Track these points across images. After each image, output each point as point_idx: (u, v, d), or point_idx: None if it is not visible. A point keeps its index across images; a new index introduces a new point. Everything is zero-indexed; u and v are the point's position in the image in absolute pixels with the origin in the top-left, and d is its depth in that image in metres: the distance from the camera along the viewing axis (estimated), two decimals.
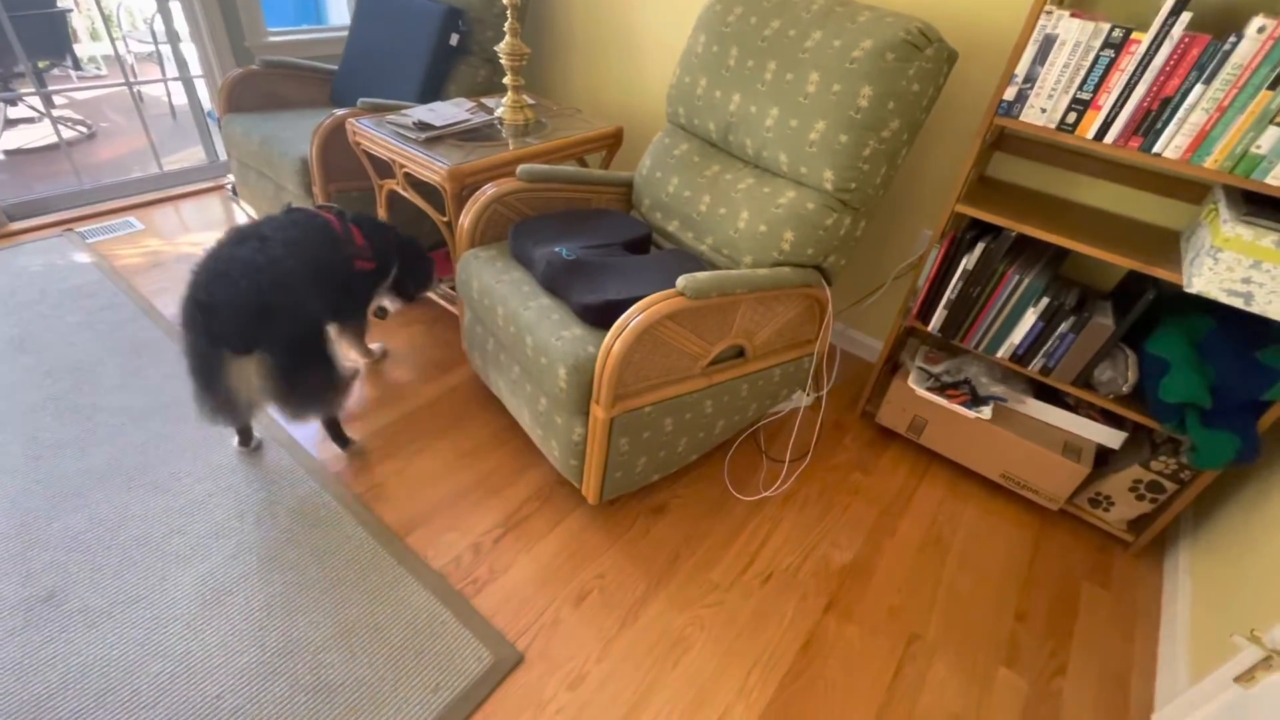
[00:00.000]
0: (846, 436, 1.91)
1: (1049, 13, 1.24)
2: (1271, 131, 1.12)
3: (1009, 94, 1.34)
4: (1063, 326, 1.48)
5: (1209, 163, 1.19)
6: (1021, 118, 1.35)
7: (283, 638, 1.26)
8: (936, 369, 1.76)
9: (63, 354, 1.86)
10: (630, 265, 1.53)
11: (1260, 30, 1.07)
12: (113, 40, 3.72)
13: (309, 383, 1.46)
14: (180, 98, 3.66)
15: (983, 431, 1.67)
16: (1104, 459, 1.65)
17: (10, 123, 3.39)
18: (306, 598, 1.33)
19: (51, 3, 3.07)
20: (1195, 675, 1.25)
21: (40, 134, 3.31)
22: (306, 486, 1.56)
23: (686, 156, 1.73)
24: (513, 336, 1.46)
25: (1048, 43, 1.26)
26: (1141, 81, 1.20)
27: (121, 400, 1.73)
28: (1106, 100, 1.24)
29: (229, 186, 2.83)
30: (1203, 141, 1.18)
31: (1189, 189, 1.46)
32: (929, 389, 1.71)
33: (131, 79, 3.99)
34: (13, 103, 3.46)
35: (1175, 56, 1.15)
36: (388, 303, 1.90)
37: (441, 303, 2.08)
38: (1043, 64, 1.28)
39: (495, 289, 1.51)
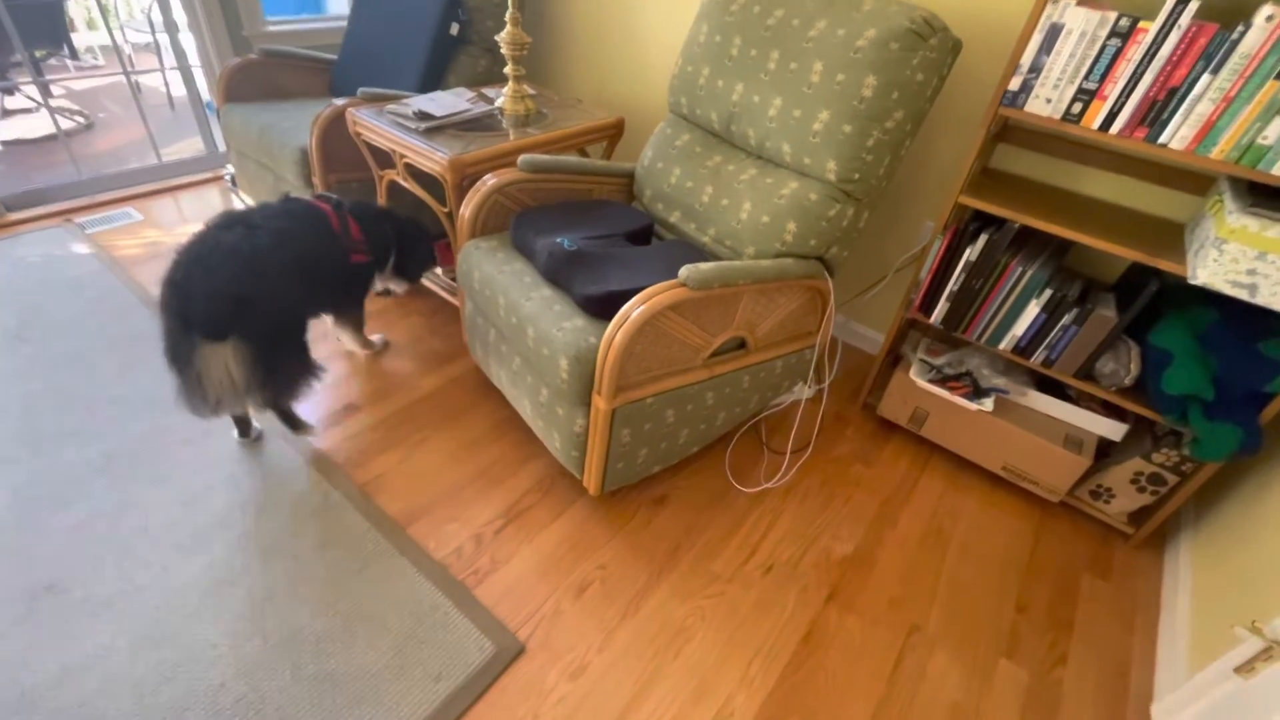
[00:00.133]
0: (848, 429, 1.91)
1: (1055, 1, 1.23)
2: (1278, 122, 1.11)
3: (1014, 84, 1.33)
4: (1066, 318, 1.47)
5: (1215, 153, 1.18)
6: (1026, 108, 1.34)
7: (284, 627, 1.26)
8: (938, 361, 1.75)
9: (62, 344, 1.86)
10: (632, 256, 1.52)
11: (1269, 19, 1.06)
12: (110, 30, 3.70)
13: (282, 373, 1.46)
14: (179, 88, 3.64)
15: (984, 424, 1.67)
16: (1105, 451, 1.65)
17: (8, 113, 3.37)
18: (308, 588, 1.33)
19: None
20: (1195, 666, 1.25)
21: (38, 124, 3.29)
22: (308, 477, 1.56)
23: (689, 147, 1.72)
24: (514, 327, 1.46)
25: (1054, 32, 1.25)
26: (1148, 71, 1.19)
27: (121, 391, 1.73)
28: (1112, 90, 1.24)
29: (228, 177, 2.81)
30: (1209, 132, 1.17)
31: (1194, 180, 1.45)
32: (931, 381, 1.70)
33: (129, 69, 3.96)
34: (10, 93, 3.44)
35: (1182, 46, 1.14)
36: (393, 285, 1.90)
37: (442, 294, 2.07)
38: (1048, 53, 1.27)
39: (497, 280, 1.51)
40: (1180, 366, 1.34)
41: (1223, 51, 1.11)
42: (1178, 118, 1.19)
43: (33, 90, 3.37)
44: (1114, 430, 1.58)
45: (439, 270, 2.05)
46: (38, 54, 3.13)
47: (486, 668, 1.23)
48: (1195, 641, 1.31)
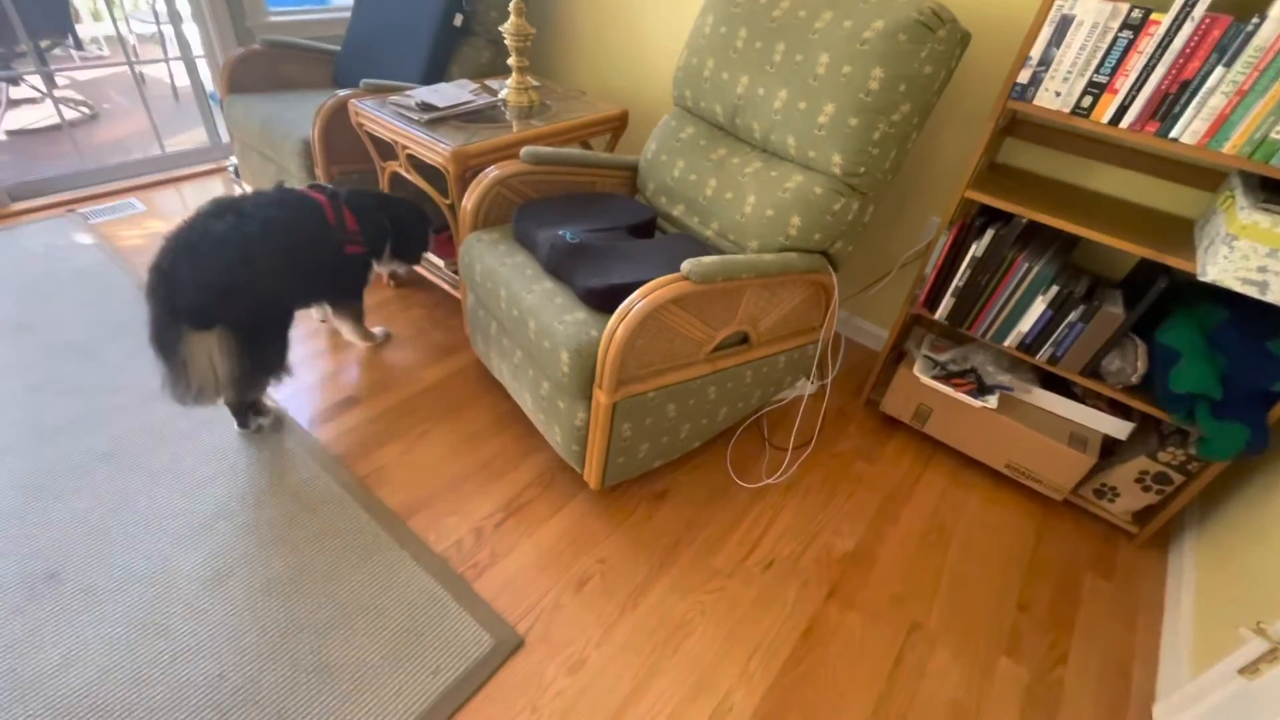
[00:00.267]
0: (850, 425, 1.90)
1: None
2: None
3: (1023, 77, 1.31)
4: (1072, 315, 1.46)
5: (1227, 148, 1.16)
6: (1035, 101, 1.32)
7: (284, 619, 1.26)
8: (942, 357, 1.74)
9: (65, 334, 1.86)
10: (635, 249, 1.51)
11: None
12: (114, 20, 3.69)
13: (264, 364, 1.45)
14: (182, 79, 3.64)
15: (988, 421, 1.66)
16: (1110, 449, 1.63)
17: (13, 103, 3.37)
18: (308, 579, 1.33)
19: None
20: (1198, 667, 1.24)
21: (42, 114, 3.29)
22: (308, 469, 1.56)
23: (693, 140, 1.71)
24: (515, 320, 1.45)
25: (1064, 24, 1.23)
26: (1160, 64, 1.17)
27: (124, 381, 1.73)
28: (1123, 83, 1.22)
29: (231, 168, 2.81)
30: (1221, 126, 1.16)
31: (1205, 175, 1.43)
32: (934, 377, 1.69)
33: (134, 59, 3.96)
34: (15, 82, 3.43)
35: (1196, 38, 1.12)
36: (395, 268, 1.89)
37: (445, 286, 2.07)
38: (1058, 46, 1.25)
39: (498, 272, 1.50)
40: (1188, 364, 1.32)
41: (1237, 44, 1.09)
42: (1190, 111, 1.17)
43: (37, 80, 3.37)
44: (1119, 428, 1.56)
45: (442, 263, 2.04)
46: (43, 44, 3.13)
47: (485, 661, 1.23)
48: (1198, 642, 1.30)
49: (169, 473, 1.51)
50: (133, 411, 1.65)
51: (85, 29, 4.37)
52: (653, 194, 1.79)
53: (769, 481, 1.69)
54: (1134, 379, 1.45)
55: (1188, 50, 1.14)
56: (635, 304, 1.24)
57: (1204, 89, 1.15)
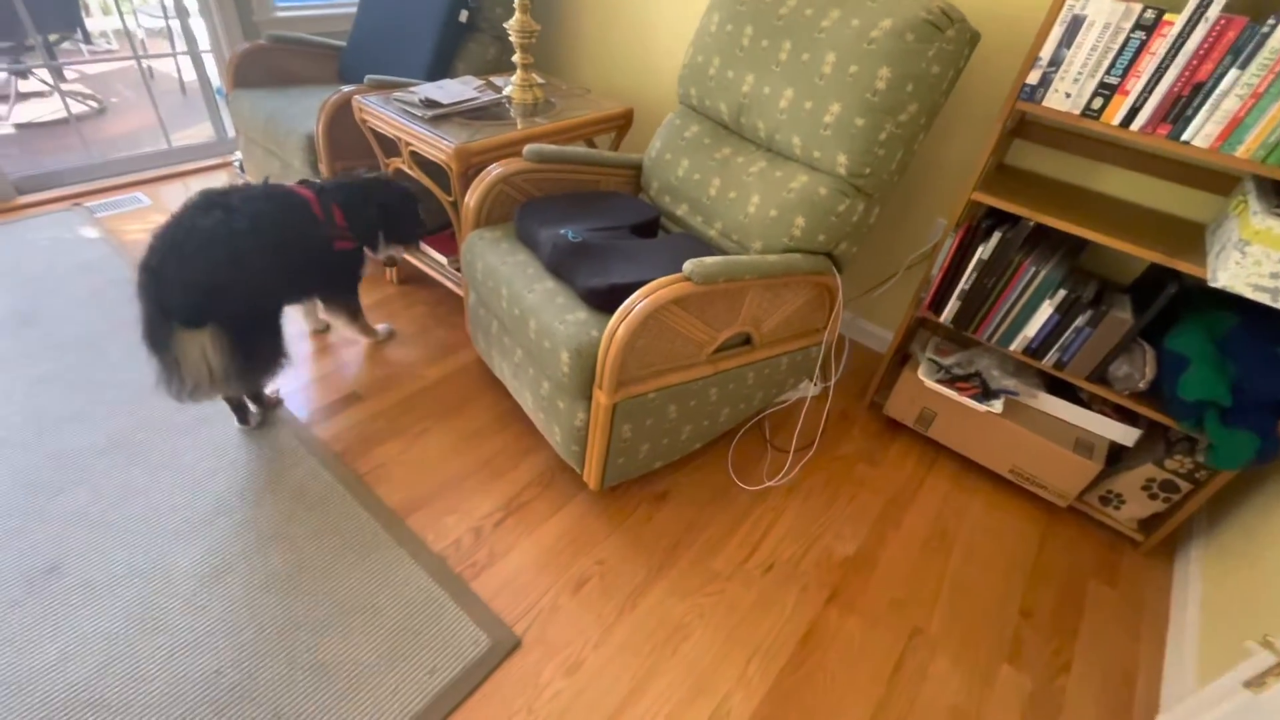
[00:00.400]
0: (853, 427, 1.89)
1: None
2: None
3: (1032, 78, 1.29)
4: (1079, 320, 1.44)
5: (1240, 152, 1.14)
6: (1044, 103, 1.30)
7: (281, 615, 1.26)
8: (947, 361, 1.72)
9: (69, 328, 1.86)
10: (637, 249, 1.50)
11: None
12: (122, 15, 3.70)
13: (258, 358, 1.45)
14: (190, 73, 3.64)
15: (993, 425, 1.64)
16: (1116, 456, 1.61)
17: (21, 96, 3.38)
18: (306, 576, 1.33)
19: None
20: (1203, 678, 1.22)
21: (50, 108, 3.30)
22: (308, 465, 1.55)
23: (697, 139, 1.70)
24: (516, 319, 1.44)
25: (1075, 24, 1.21)
26: (1173, 65, 1.15)
27: (127, 376, 1.73)
28: (1135, 85, 1.20)
29: (237, 163, 2.81)
30: (1235, 129, 1.14)
31: (1217, 179, 1.41)
32: (939, 381, 1.67)
33: (141, 54, 3.97)
34: (24, 76, 3.45)
35: (1210, 39, 1.10)
36: (393, 254, 1.87)
37: (448, 283, 2.06)
38: (1069, 46, 1.23)
39: (500, 270, 1.49)
40: (1197, 371, 1.30)
41: (1252, 45, 1.07)
42: (1202, 114, 1.15)
43: (46, 74, 3.38)
44: (1126, 435, 1.55)
45: (445, 260, 2.03)
46: (51, 38, 3.14)
47: (482, 661, 1.23)
48: (1204, 653, 1.28)
49: (169, 468, 1.51)
50: (133, 406, 1.65)
51: (94, 23, 4.39)
52: (656, 193, 1.78)
53: (770, 484, 1.68)
54: (1142, 385, 1.43)
55: (1201, 52, 1.12)
56: (636, 304, 1.23)
57: (1218, 91, 1.13)
